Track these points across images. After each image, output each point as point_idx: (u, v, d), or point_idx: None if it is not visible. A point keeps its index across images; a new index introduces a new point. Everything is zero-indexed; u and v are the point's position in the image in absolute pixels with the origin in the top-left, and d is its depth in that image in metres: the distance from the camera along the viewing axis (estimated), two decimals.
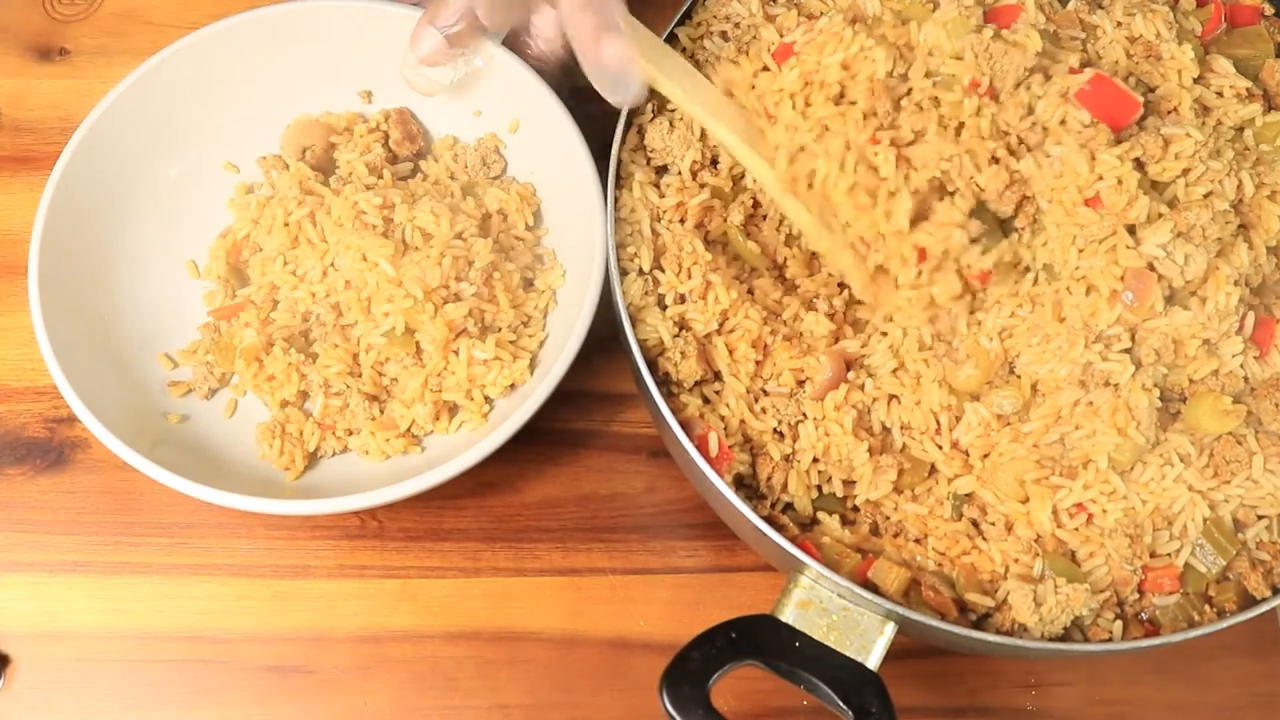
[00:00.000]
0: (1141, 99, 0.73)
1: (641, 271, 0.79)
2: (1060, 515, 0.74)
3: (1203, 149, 0.73)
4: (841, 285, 0.80)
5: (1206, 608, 0.73)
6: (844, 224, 0.75)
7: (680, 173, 0.80)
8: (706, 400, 0.78)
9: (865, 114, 0.74)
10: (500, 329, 0.84)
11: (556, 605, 0.84)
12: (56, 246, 0.82)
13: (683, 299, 0.79)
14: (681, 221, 0.80)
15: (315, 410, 0.84)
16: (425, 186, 0.89)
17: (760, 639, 0.70)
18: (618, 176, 0.80)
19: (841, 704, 0.68)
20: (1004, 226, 0.75)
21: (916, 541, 0.76)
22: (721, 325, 0.78)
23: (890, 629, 0.70)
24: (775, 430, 0.78)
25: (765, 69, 0.80)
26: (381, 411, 0.84)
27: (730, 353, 0.78)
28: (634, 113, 0.82)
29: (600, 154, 0.81)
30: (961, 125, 0.74)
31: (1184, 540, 0.73)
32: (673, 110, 0.82)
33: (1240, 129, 0.78)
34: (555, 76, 0.85)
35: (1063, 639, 0.71)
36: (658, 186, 0.81)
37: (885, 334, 0.78)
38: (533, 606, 0.84)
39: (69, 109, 0.98)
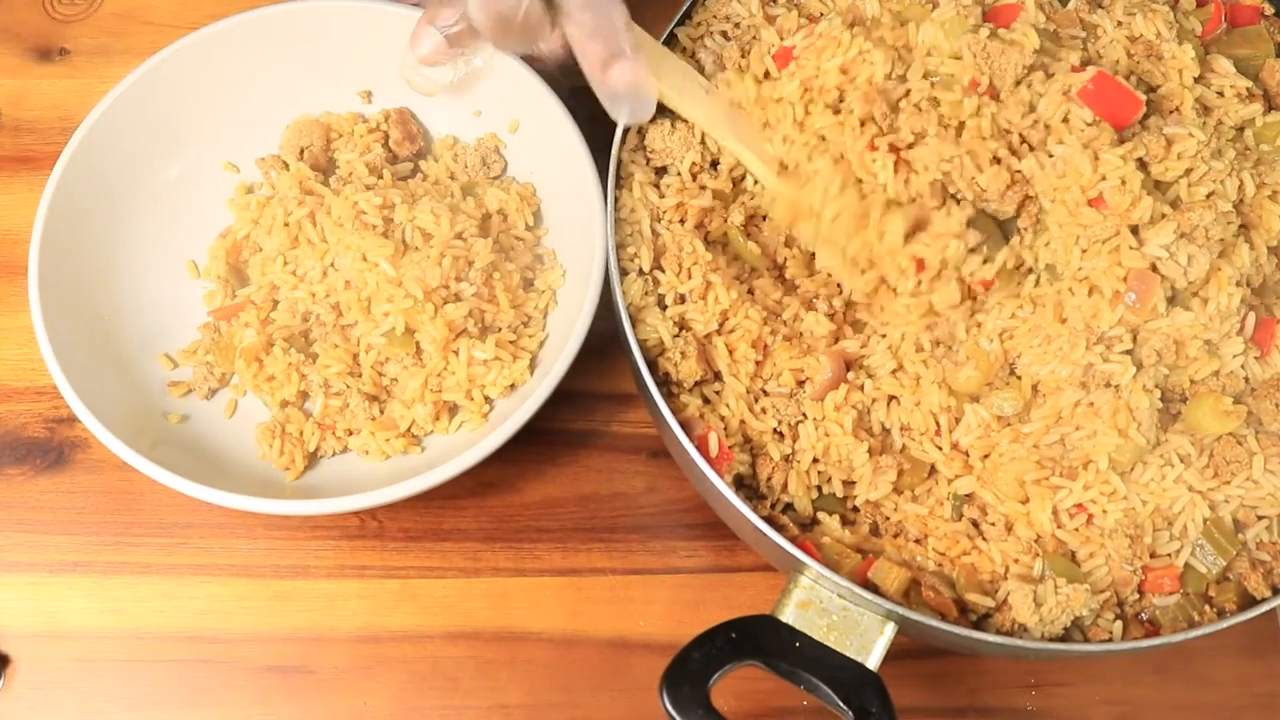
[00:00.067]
0: (1144, 97, 0.73)
1: (641, 271, 0.79)
2: (1060, 515, 0.74)
3: (1205, 149, 0.73)
4: (841, 285, 0.80)
5: (1206, 608, 0.73)
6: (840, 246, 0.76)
7: (680, 174, 0.80)
8: (706, 400, 0.78)
9: (862, 120, 0.75)
10: (500, 329, 0.84)
11: (556, 605, 0.84)
12: (56, 246, 0.82)
13: (683, 299, 0.79)
14: (681, 222, 0.80)
15: (315, 410, 0.84)
16: (425, 186, 0.89)
17: (760, 639, 0.70)
18: (618, 176, 0.80)
19: (841, 704, 0.68)
20: (1006, 227, 0.75)
21: (916, 542, 0.76)
22: (721, 325, 0.78)
23: (890, 629, 0.70)
24: (775, 430, 0.78)
25: (766, 74, 0.80)
26: (381, 411, 0.84)
27: (730, 353, 0.78)
28: None
29: (600, 154, 0.81)
30: (962, 125, 0.74)
31: (1184, 540, 0.73)
32: (674, 111, 0.82)
33: (1240, 129, 0.77)
34: (555, 76, 0.85)
35: (1063, 639, 0.71)
36: (658, 187, 0.81)
37: (884, 335, 0.78)
38: (533, 606, 0.84)
39: (69, 109, 0.98)
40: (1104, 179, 0.71)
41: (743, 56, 0.81)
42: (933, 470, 0.77)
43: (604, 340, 0.79)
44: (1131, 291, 0.71)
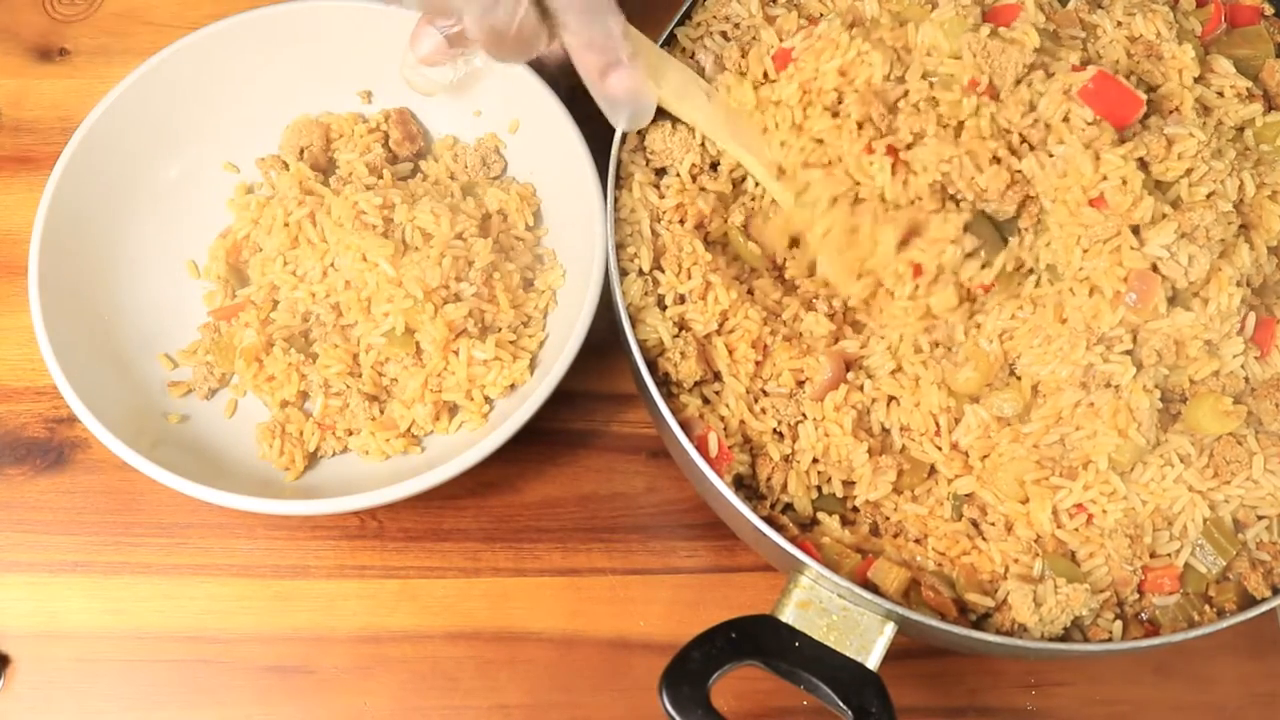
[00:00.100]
0: (1145, 97, 0.73)
1: (641, 272, 0.79)
2: (1060, 515, 0.74)
3: (1205, 149, 0.73)
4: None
5: (1206, 608, 0.73)
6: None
7: (680, 175, 0.80)
8: (706, 400, 0.78)
9: (860, 123, 0.75)
10: (500, 329, 0.84)
11: (556, 605, 0.84)
12: (56, 246, 0.82)
13: (683, 299, 0.79)
14: (681, 222, 0.80)
15: (315, 410, 0.84)
16: (425, 186, 0.89)
17: (760, 639, 0.70)
18: (617, 177, 0.80)
19: (841, 704, 0.68)
20: (1005, 228, 0.75)
21: (916, 542, 0.76)
22: (721, 325, 0.78)
23: (890, 629, 0.70)
24: (775, 430, 0.78)
25: (765, 76, 0.80)
26: (381, 411, 0.84)
27: (730, 353, 0.78)
28: None
29: (600, 154, 0.81)
30: (961, 125, 0.74)
31: (1184, 540, 0.73)
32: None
33: (1240, 129, 0.77)
34: (555, 76, 0.85)
35: (1063, 639, 0.71)
36: (657, 187, 0.81)
37: (883, 336, 0.78)
38: (533, 606, 0.84)
39: (69, 109, 0.99)
40: (1105, 179, 0.71)
41: (742, 57, 0.81)
42: (932, 470, 0.77)
43: (604, 340, 0.79)
44: (1132, 292, 0.71)
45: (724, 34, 0.83)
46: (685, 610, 0.84)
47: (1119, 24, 0.78)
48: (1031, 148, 0.73)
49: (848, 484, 0.77)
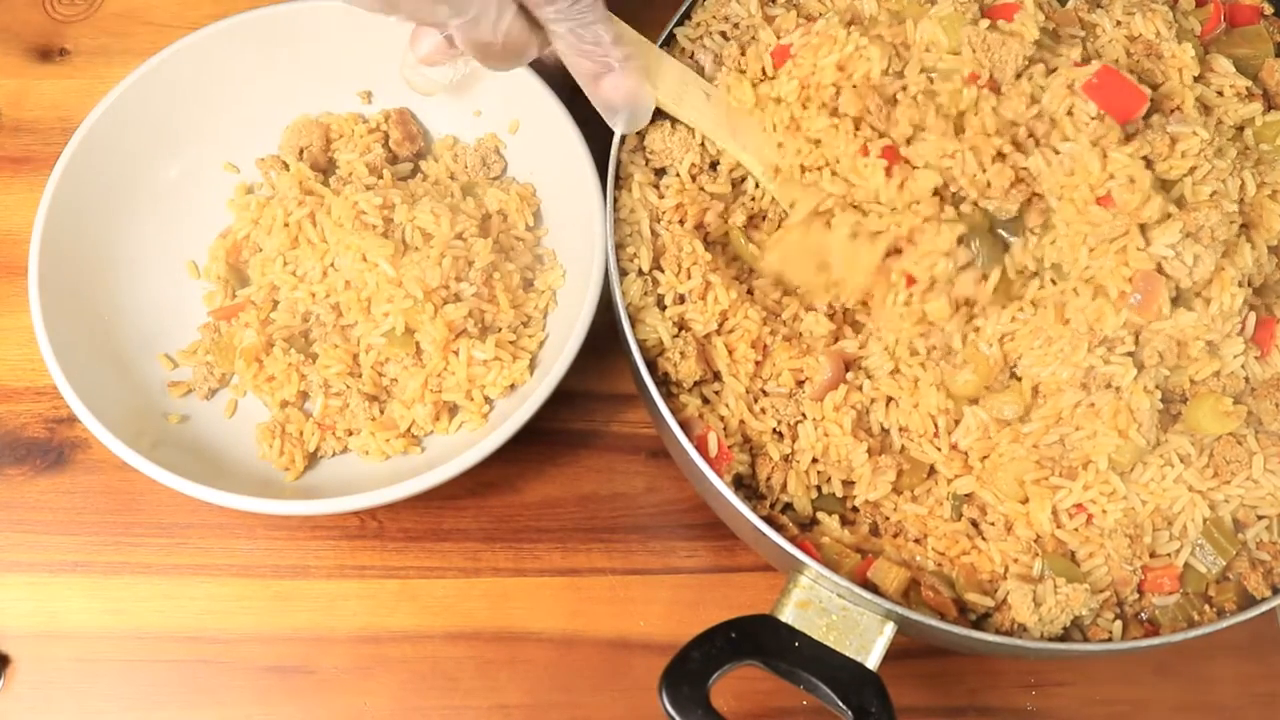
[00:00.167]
0: (1149, 92, 0.73)
1: (641, 272, 0.79)
2: (1060, 515, 0.74)
3: (1209, 147, 0.72)
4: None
5: (1206, 608, 0.73)
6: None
7: (679, 175, 0.80)
8: (706, 400, 0.78)
9: (857, 121, 0.74)
10: (500, 329, 0.84)
11: (556, 605, 0.84)
12: (56, 246, 0.82)
13: (682, 299, 0.79)
14: (681, 222, 0.80)
15: (315, 410, 0.84)
16: (425, 186, 0.89)
17: (760, 639, 0.70)
18: (617, 177, 0.80)
19: (841, 704, 0.68)
20: (1011, 227, 0.74)
21: (916, 541, 0.76)
22: (721, 325, 0.78)
23: (890, 629, 0.70)
24: (775, 430, 0.78)
25: (764, 73, 0.80)
26: (381, 411, 0.84)
27: (730, 353, 0.78)
28: None
29: (600, 154, 0.81)
30: (961, 115, 0.73)
31: (1184, 540, 0.73)
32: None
33: (1240, 128, 0.77)
34: (555, 76, 0.85)
35: (1062, 639, 0.71)
36: (657, 187, 0.81)
37: (880, 337, 0.78)
38: (533, 606, 0.84)
39: (69, 109, 0.99)
40: (1112, 177, 0.71)
41: (741, 55, 0.81)
42: (932, 470, 0.77)
43: (604, 340, 0.79)
44: (1137, 293, 0.71)
45: (723, 34, 0.83)
46: (685, 610, 0.84)
47: (1118, 23, 0.78)
48: (1037, 143, 0.73)
49: (847, 484, 0.77)
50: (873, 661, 0.70)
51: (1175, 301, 0.72)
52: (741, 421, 0.77)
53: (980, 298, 0.73)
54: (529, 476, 0.88)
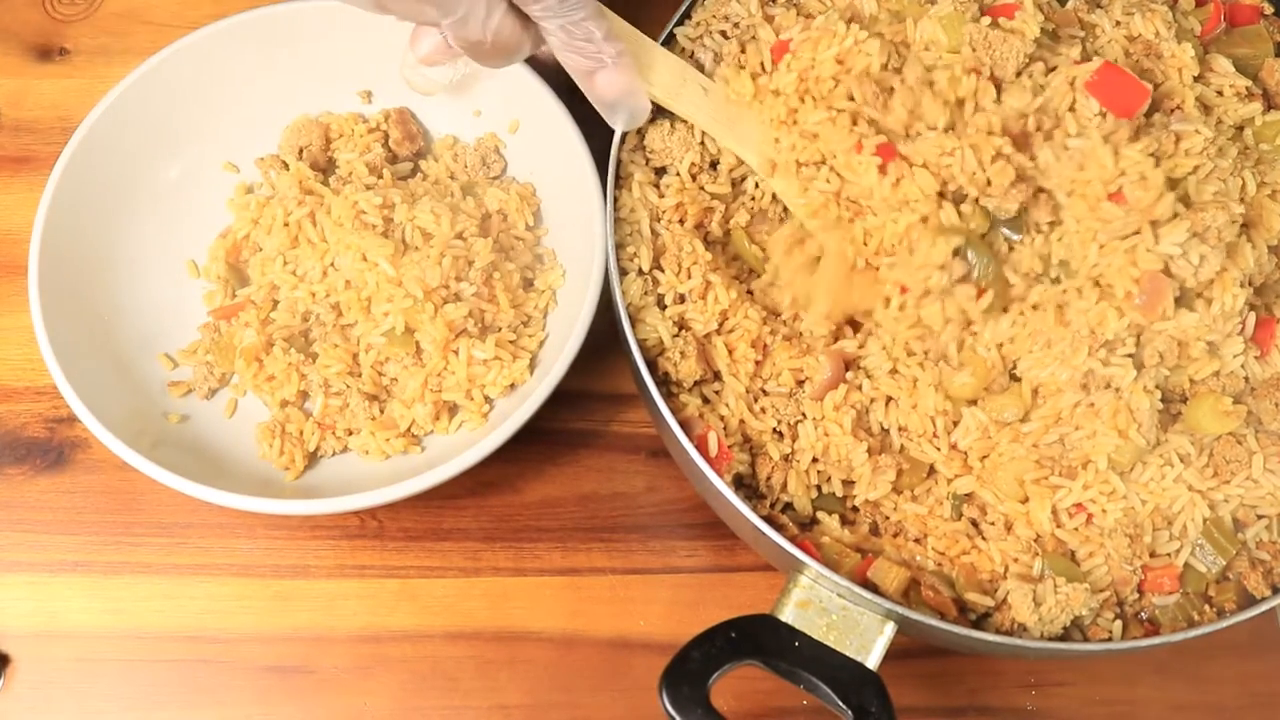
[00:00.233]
0: (1150, 87, 0.73)
1: (641, 271, 0.79)
2: (1060, 515, 0.74)
3: (1211, 146, 0.72)
4: None
5: (1206, 607, 0.73)
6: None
7: (679, 174, 0.80)
8: (706, 400, 0.78)
9: (854, 117, 0.74)
10: (500, 329, 0.84)
11: (556, 605, 0.84)
12: (56, 246, 0.82)
13: (682, 299, 0.79)
14: (681, 222, 0.80)
15: (315, 410, 0.84)
16: (425, 186, 0.89)
17: (760, 639, 0.70)
18: (617, 176, 0.80)
19: (841, 704, 0.68)
20: (1015, 225, 0.74)
21: (916, 541, 0.76)
22: (721, 325, 0.78)
23: (890, 629, 0.70)
24: (775, 430, 0.78)
25: (764, 68, 0.80)
26: (381, 411, 0.84)
27: (730, 352, 0.78)
28: None
29: (600, 154, 0.81)
30: (960, 102, 0.73)
31: (1184, 540, 0.73)
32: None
33: (1240, 128, 0.77)
34: (555, 76, 0.85)
35: (1062, 639, 0.71)
36: (657, 187, 0.81)
37: (878, 336, 0.78)
38: (533, 606, 0.84)
39: (69, 109, 0.99)
40: (1123, 174, 0.71)
41: (741, 53, 0.81)
42: (932, 470, 0.77)
43: (604, 340, 0.79)
44: (1142, 294, 0.71)
45: (723, 33, 0.83)
46: (685, 610, 0.84)
47: (1117, 23, 0.78)
48: (1046, 137, 0.72)
49: (847, 483, 0.77)
50: (873, 661, 0.70)
51: (1178, 301, 0.72)
52: (741, 421, 0.77)
53: (973, 314, 0.73)
54: (529, 476, 0.88)
